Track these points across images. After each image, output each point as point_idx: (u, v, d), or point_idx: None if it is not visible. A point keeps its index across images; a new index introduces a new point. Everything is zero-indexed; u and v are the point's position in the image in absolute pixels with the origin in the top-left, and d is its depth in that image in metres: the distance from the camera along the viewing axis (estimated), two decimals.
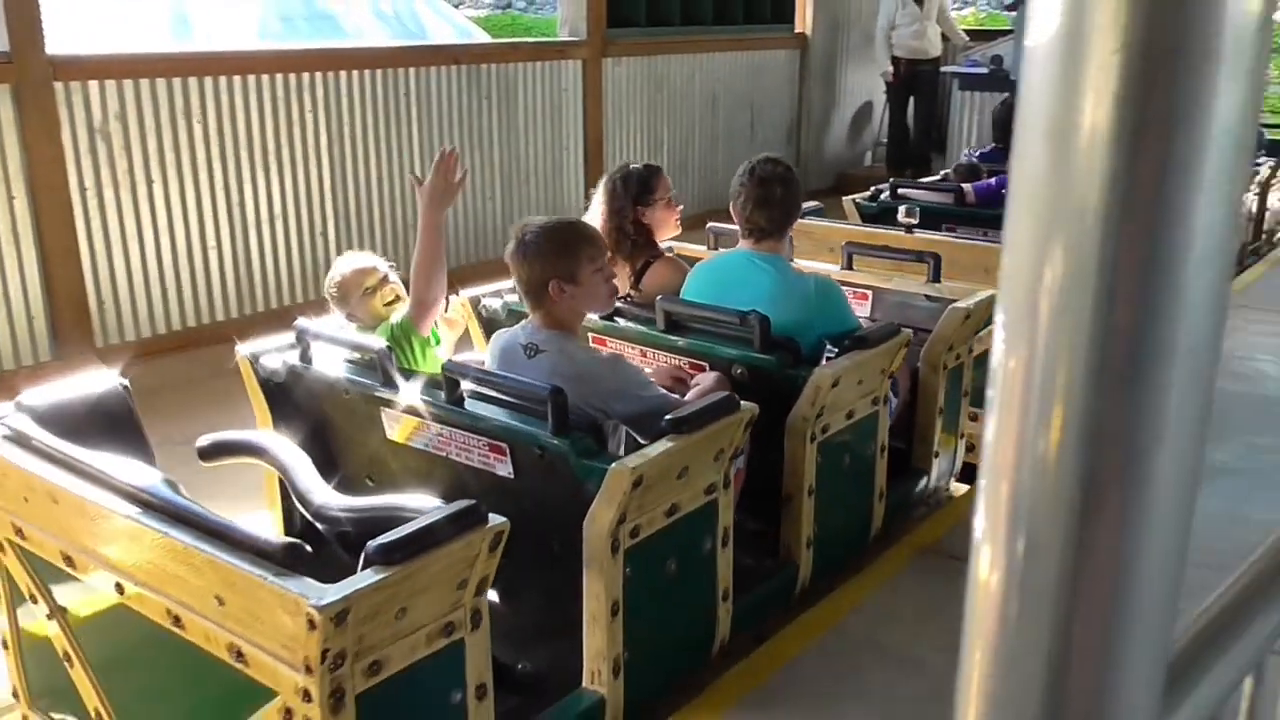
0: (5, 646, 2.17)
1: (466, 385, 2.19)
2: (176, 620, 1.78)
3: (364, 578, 1.64)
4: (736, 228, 2.81)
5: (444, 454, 2.26)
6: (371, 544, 1.67)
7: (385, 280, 2.58)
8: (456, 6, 16.94)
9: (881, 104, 8.90)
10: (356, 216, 5.85)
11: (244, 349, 2.52)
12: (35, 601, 2.05)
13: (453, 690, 1.82)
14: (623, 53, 7.07)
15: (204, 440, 2.20)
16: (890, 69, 8.20)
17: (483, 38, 11.39)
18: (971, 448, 3.12)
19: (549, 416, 2.05)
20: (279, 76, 5.42)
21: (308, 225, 5.65)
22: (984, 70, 8.18)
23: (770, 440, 2.40)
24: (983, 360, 3.27)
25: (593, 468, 2.02)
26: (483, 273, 6.30)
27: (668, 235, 3.06)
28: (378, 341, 2.36)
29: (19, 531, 2.02)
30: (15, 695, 2.19)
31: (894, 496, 2.77)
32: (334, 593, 1.58)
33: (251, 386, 2.49)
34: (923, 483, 2.93)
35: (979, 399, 3.16)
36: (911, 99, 8.30)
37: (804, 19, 8.45)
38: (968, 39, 8.82)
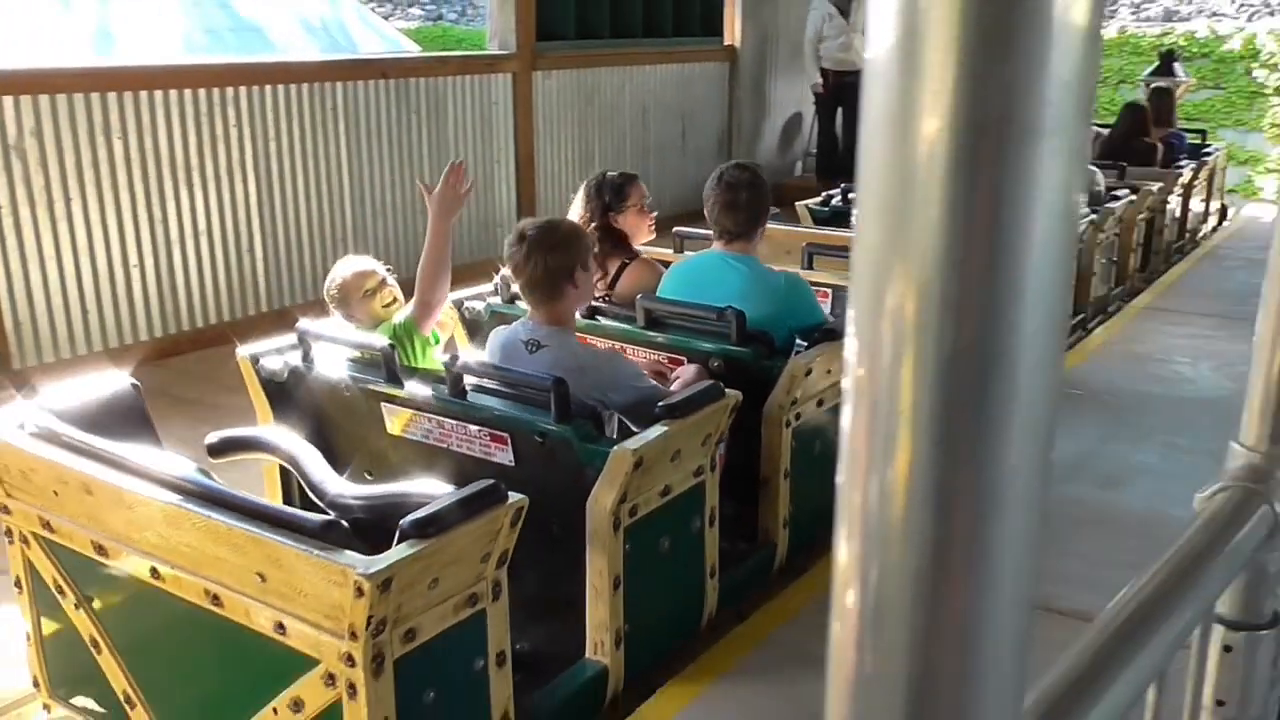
0: (27, 638, 2.34)
1: (468, 379, 2.46)
2: (215, 599, 1.99)
3: (402, 550, 1.88)
4: (701, 231, 3.13)
5: (445, 445, 2.51)
6: (406, 520, 1.91)
7: (384, 283, 2.83)
8: (386, 18, 17.18)
9: (811, 115, 9.37)
10: (284, 232, 6.00)
11: (244, 350, 2.73)
12: (62, 592, 2.24)
13: (476, 658, 2.07)
14: (552, 65, 7.37)
15: (213, 437, 2.41)
16: (819, 80, 8.68)
17: (413, 49, 11.66)
18: None
19: (552, 406, 2.33)
20: (201, 91, 5.55)
21: (233, 242, 5.77)
22: None
23: (746, 428, 2.71)
24: None
25: (596, 451, 2.29)
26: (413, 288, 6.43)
27: (642, 240, 3.37)
28: (380, 340, 2.61)
29: (46, 525, 2.21)
30: (36, 684, 2.36)
31: None
32: (380, 562, 1.82)
33: (253, 387, 2.70)
34: None
35: None
36: (840, 110, 8.81)
37: (733, 31, 8.90)
38: None
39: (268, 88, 5.91)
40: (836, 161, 8.81)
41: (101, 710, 2.27)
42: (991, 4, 0.34)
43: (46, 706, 2.37)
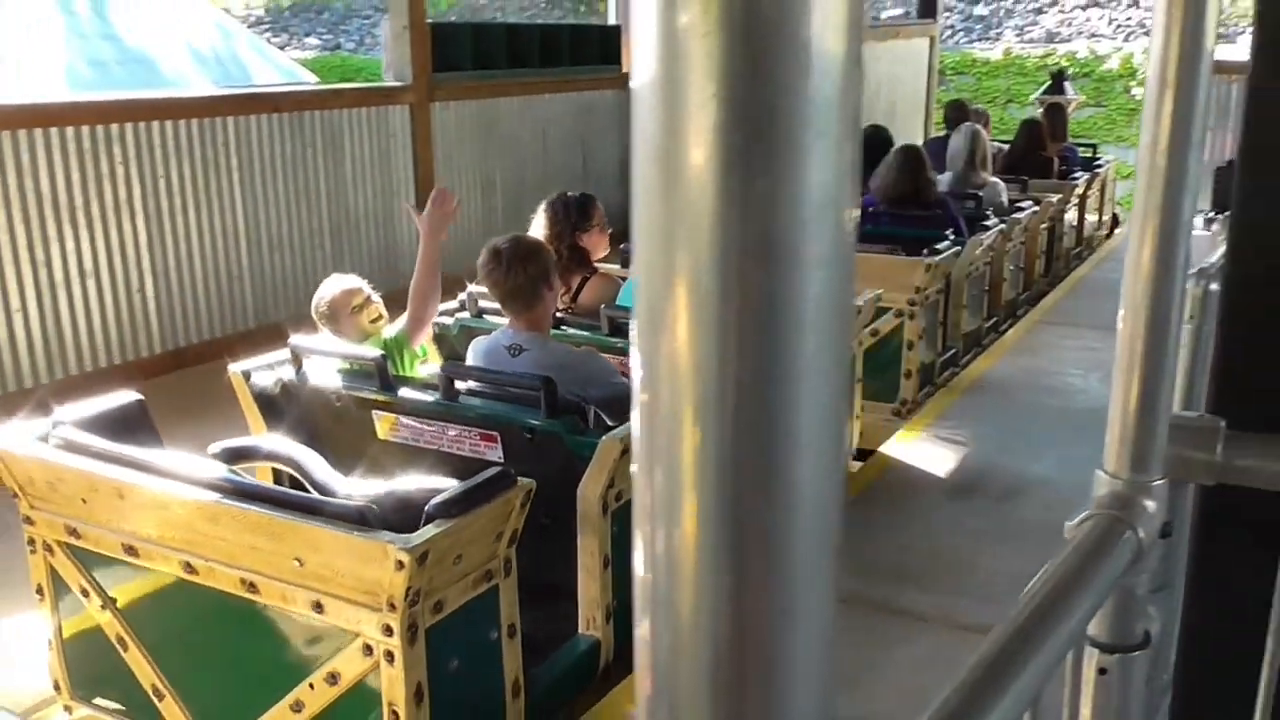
0: (48, 644, 2.65)
1: (458, 384, 2.89)
2: (251, 587, 2.36)
3: (431, 529, 2.30)
4: None
5: (435, 448, 2.91)
6: (432, 503, 2.33)
7: (369, 299, 3.23)
8: (282, 48, 17.44)
9: None
10: (176, 271, 6.21)
11: (236, 366, 3.09)
12: (87, 595, 2.55)
13: (491, 629, 2.48)
14: (450, 96, 7.82)
15: (215, 447, 2.76)
16: None
17: (310, 80, 12.03)
18: (861, 433, 4.14)
19: (542, 403, 2.77)
20: (85, 128, 5.71)
21: (123, 282, 5.98)
22: None
23: None
24: (870, 352, 4.28)
25: (584, 442, 2.72)
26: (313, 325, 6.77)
27: (599, 255, 3.87)
28: (373, 351, 3.02)
29: (73, 532, 2.53)
30: (56, 687, 2.67)
31: None
32: (417, 538, 2.23)
33: (245, 401, 3.06)
34: None
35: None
36: None
37: (629, 60, 9.54)
38: None
39: (155, 123, 6.13)
40: None
41: (125, 706, 2.59)
42: (747, 38, 0.36)
43: (68, 708, 2.67)
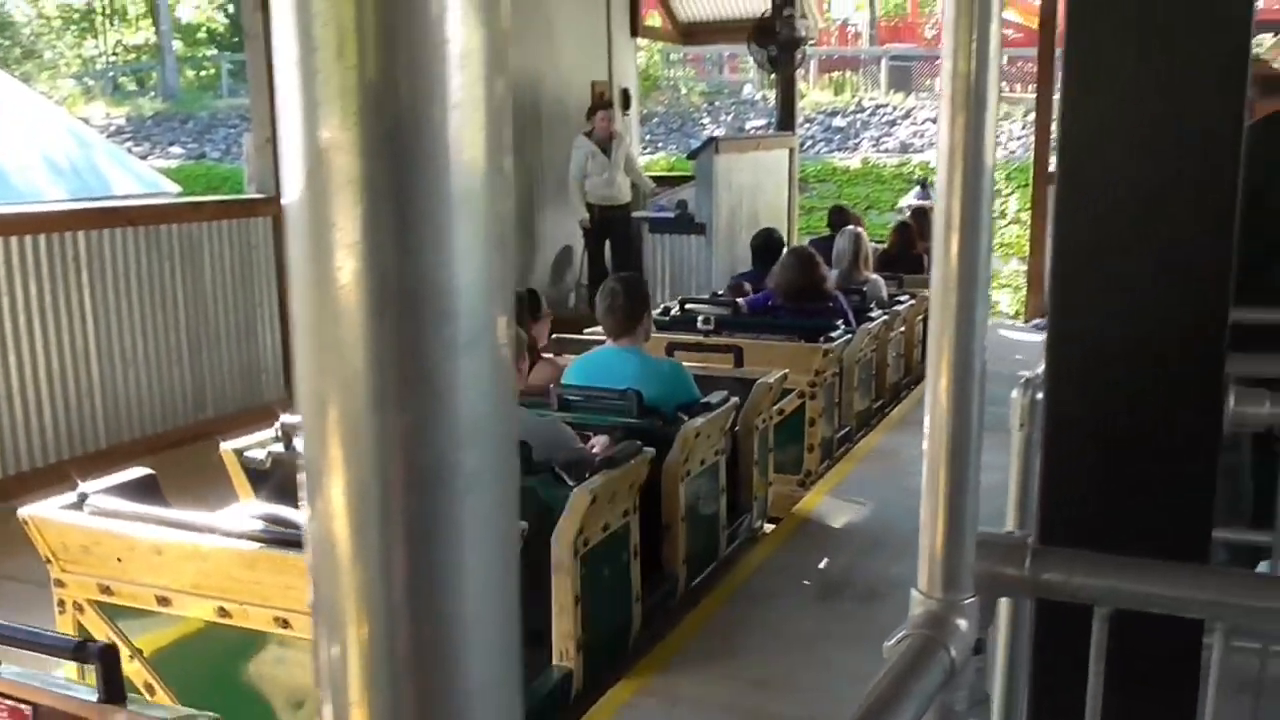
0: None
1: None
2: (284, 623, 3.00)
3: None
4: (577, 337, 4.61)
5: None
6: None
7: None
8: (144, 157, 17.85)
9: (581, 248, 11.23)
10: (20, 392, 6.48)
11: (228, 444, 3.77)
12: None
13: None
14: None
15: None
16: (586, 215, 10.56)
17: (172, 190, 12.56)
18: (771, 501, 5.12)
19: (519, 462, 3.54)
20: None
21: None
22: (671, 214, 10.72)
23: (647, 488, 4.02)
24: (781, 425, 5.24)
25: (558, 495, 3.49)
26: (172, 440, 7.09)
27: (541, 344, 4.78)
28: None
29: (105, 590, 3.12)
30: None
31: (730, 529, 4.53)
32: None
33: (238, 478, 3.73)
34: (745, 519, 4.75)
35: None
36: (608, 241, 10.73)
37: None
38: (655, 186, 11.53)
39: None
40: None
41: None
42: (397, 287, 0.42)
43: None
